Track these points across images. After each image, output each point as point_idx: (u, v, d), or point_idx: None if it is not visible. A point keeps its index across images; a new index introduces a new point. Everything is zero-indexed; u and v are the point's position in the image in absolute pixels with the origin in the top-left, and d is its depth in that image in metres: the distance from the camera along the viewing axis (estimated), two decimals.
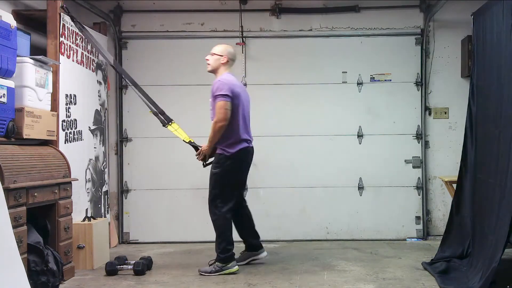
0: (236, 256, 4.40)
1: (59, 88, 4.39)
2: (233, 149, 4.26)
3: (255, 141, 5.72)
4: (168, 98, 5.77)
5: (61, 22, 4.41)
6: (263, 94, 5.68)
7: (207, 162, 4.44)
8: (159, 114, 4.70)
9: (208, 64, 4.40)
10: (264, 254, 4.54)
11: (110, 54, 5.36)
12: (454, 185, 4.66)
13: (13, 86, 3.71)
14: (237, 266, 4.29)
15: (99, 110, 5.32)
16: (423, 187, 5.74)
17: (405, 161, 5.75)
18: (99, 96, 5.34)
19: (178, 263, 4.67)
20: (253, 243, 4.55)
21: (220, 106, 4.18)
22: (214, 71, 4.40)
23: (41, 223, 3.92)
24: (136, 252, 5.17)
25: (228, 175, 4.27)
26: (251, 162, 4.48)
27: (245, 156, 4.37)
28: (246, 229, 4.55)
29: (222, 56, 4.34)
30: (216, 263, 4.26)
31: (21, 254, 3.23)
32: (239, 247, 4.54)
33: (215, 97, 4.21)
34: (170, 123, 4.68)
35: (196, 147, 4.50)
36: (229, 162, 4.27)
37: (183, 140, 4.59)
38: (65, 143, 4.50)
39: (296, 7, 5.79)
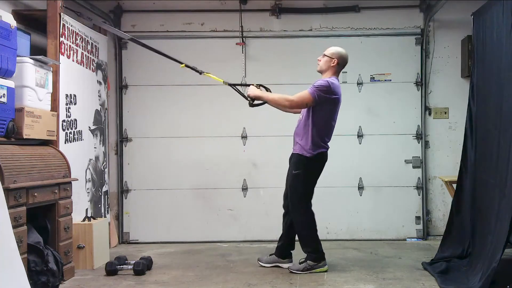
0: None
1: (59, 88, 4.39)
2: (315, 151, 4.24)
3: (256, 140, 5.78)
4: (168, 98, 5.79)
5: (61, 22, 4.41)
6: None
7: (254, 103, 4.38)
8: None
9: (318, 64, 4.36)
10: (289, 265, 4.43)
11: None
12: (454, 185, 4.66)
13: (13, 86, 3.70)
14: (326, 266, 4.29)
15: (99, 110, 5.32)
16: (423, 187, 5.74)
17: (405, 161, 5.75)
18: (99, 96, 5.34)
19: (178, 263, 4.67)
20: (286, 250, 4.52)
21: (305, 98, 4.17)
22: (322, 72, 4.36)
23: (41, 223, 3.92)
24: (136, 252, 5.17)
25: (309, 175, 4.30)
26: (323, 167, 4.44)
27: (322, 160, 4.35)
28: (288, 235, 4.51)
29: (333, 58, 4.29)
30: (308, 261, 4.25)
31: (21, 254, 3.23)
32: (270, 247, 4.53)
33: (310, 87, 4.18)
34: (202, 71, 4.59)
35: (238, 90, 4.49)
36: (310, 163, 4.26)
37: (225, 83, 4.53)
38: (65, 143, 4.49)
39: (296, 7, 5.79)
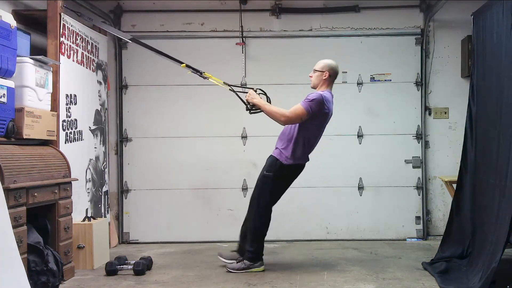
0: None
1: (59, 88, 4.39)
2: (292, 161, 4.26)
3: (256, 140, 5.77)
4: (168, 98, 5.79)
5: (61, 22, 4.41)
6: None
7: (252, 110, 4.38)
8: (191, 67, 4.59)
9: (311, 81, 4.38)
10: (231, 261, 4.47)
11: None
12: (454, 185, 4.66)
13: (13, 86, 3.70)
14: (263, 266, 4.32)
15: (99, 110, 5.32)
16: (423, 187, 5.74)
17: (405, 161, 5.75)
18: (99, 96, 5.34)
19: (178, 263, 4.67)
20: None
21: (299, 112, 4.16)
22: (315, 87, 4.37)
23: (41, 223, 3.92)
24: (136, 252, 5.17)
25: (278, 182, 4.30)
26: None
27: (296, 171, 4.38)
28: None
29: (323, 72, 4.31)
30: (244, 261, 4.29)
31: (21, 254, 3.23)
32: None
33: (303, 100, 4.19)
34: (203, 72, 4.60)
35: (237, 94, 4.48)
36: (283, 171, 4.27)
37: (225, 84, 4.53)
38: (65, 143, 4.49)
39: (296, 7, 5.79)
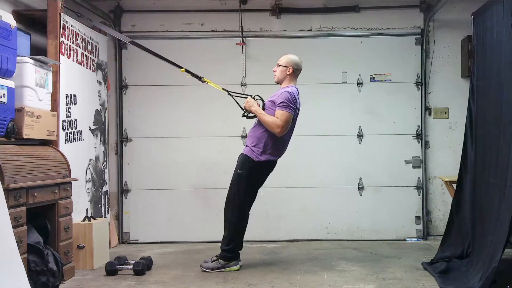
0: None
1: (59, 88, 4.39)
2: (264, 157, 4.29)
3: None
4: (168, 98, 5.79)
5: (61, 22, 4.41)
6: (263, 94, 5.64)
7: (249, 115, 4.41)
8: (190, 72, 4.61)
9: (275, 75, 4.42)
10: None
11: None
12: (454, 185, 4.66)
13: (13, 86, 3.71)
14: (238, 265, 4.32)
15: (99, 110, 5.32)
16: (423, 187, 5.74)
17: (405, 161, 5.75)
18: (99, 96, 5.34)
19: (178, 263, 4.67)
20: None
21: (286, 118, 4.20)
22: (280, 82, 4.42)
23: (41, 223, 3.92)
24: (136, 252, 5.17)
25: (252, 179, 4.32)
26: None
27: (269, 167, 4.41)
28: None
29: (287, 67, 4.35)
30: (219, 260, 4.30)
31: (21, 254, 3.23)
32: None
33: (282, 105, 4.21)
34: (202, 77, 4.63)
35: (235, 99, 4.50)
36: (255, 168, 4.30)
37: (225, 90, 4.55)
38: (65, 143, 4.49)
39: (296, 7, 5.79)
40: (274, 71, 4.44)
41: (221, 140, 5.78)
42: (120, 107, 5.83)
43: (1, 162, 3.35)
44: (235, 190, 4.34)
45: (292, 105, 4.23)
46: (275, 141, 4.30)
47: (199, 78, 4.59)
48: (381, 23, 5.78)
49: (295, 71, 4.38)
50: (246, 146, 4.39)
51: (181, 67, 4.59)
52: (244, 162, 4.32)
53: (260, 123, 4.34)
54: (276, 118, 4.22)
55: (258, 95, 4.46)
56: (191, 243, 5.59)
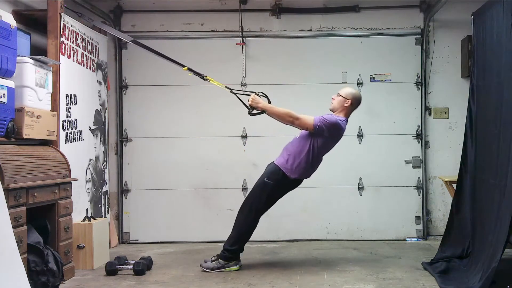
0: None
1: (60, 88, 4.39)
2: (295, 175, 4.29)
3: (256, 140, 5.77)
4: (168, 98, 5.79)
5: (62, 22, 4.41)
6: None
7: (253, 112, 4.38)
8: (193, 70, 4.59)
9: (332, 103, 4.40)
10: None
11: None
12: (454, 185, 4.66)
13: (13, 86, 3.70)
14: (238, 266, 4.33)
15: (99, 110, 5.32)
16: (423, 187, 5.74)
17: (405, 161, 5.75)
18: (99, 96, 5.34)
19: (178, 263, 4.67)
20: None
21: (307, 122, 4.19)
22: (334, 110, 4.40)
23: (41, 223, 3.92)
24: (136, 252, 5.17)
25: (276, 190, 4.32)
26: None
27: (295, 185, 4.42)
28: None
29: (347, 99, 4.34)
30: (219, 259, 4.30)
31: (21, 254, 3.23)
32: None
33: (320, 116, 4.22)
34: (205, 76, 4.61)
35: (238, 97, 4.49)
36: (284, 182, 4.31)
37: (226, 87, 4.53)
38: (65, 143, 4.49)
39: (296, 7, 5.79)
40: (332, 98, 4.41)
41: (221, 140, 5.78)
42: (120, 107, 5.83)
43: (1, 162, 3.35)
44: (256, 197, 4.33)
45: (326, 125, 4.18)
46: (312, 161, 4.30)
47: (202, 77, 4.58)
48: (381, 23, 5.77)
49: (352, 105, 4.36)
50: (281, 157, 4.36)
51: (183, 66, 4.58)
52: (275, 172, 4.30)
53: (302, 139, 4.31)
54: (291, 111, 4.21)
55: (261, 92, 4.44)
56: (191, 243, 5.59)
